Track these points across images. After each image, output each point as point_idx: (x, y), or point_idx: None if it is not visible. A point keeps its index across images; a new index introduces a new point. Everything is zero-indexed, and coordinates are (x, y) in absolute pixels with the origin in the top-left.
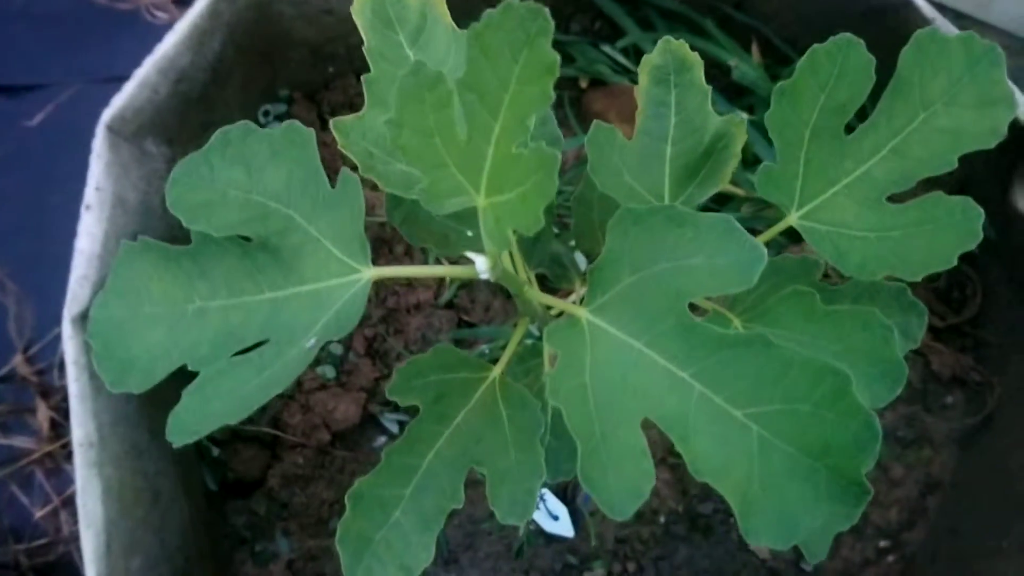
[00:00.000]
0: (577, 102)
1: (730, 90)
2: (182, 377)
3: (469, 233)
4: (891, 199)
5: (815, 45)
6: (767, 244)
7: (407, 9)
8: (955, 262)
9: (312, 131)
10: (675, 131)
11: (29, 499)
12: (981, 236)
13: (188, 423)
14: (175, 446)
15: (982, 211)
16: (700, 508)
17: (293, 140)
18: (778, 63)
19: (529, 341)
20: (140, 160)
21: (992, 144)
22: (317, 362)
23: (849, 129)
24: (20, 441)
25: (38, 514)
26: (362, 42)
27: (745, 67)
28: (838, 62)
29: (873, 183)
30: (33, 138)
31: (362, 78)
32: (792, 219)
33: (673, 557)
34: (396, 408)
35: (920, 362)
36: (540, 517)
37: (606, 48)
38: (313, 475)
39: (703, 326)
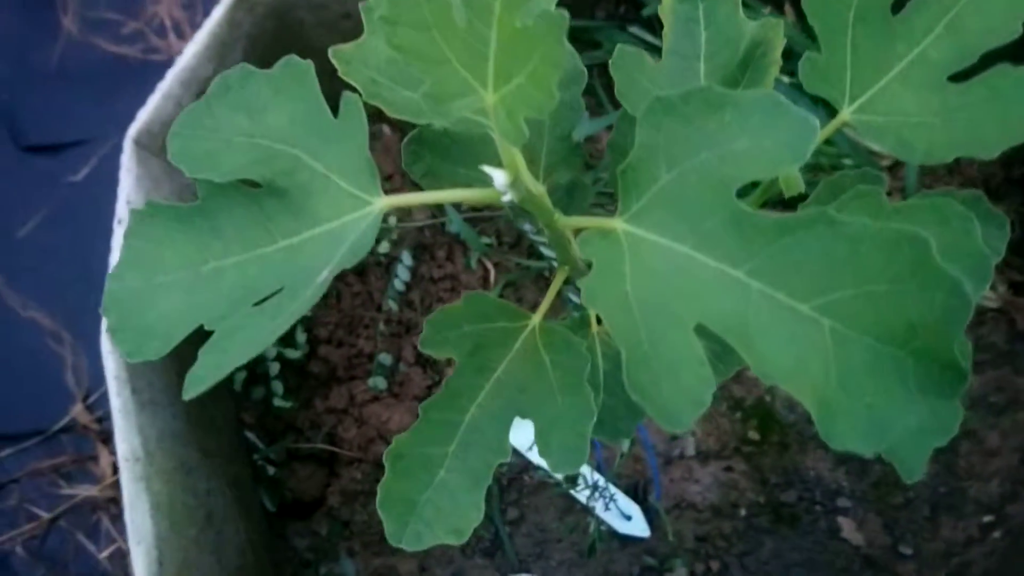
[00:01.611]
0: (608, 88)
1: None
2: (222, 394)
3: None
4: (952, 79)
5: None
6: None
7: None
8: None
9: (311, 62)
10: (707, 46)
11: (96, 547)
12: None
13: (202, 377)
14: (187, 398)
15: None
16: (783, 497)
17: (293, 75)
18: None
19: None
20: (170, 173)
21: None
22: (368, 374)
23: (896, 7)
24: (84, 490)
25: (101, 555)
26: None
27: None
28: None
29: (930, 65)
30: (78, 193)
31: (360, 5)
32: (845, 115)
33: (759, 552)
34: None
35: (1004, 320)
36: (612, 518)
37: (633, 29)
38: (373, 490)
39: (756, 215)
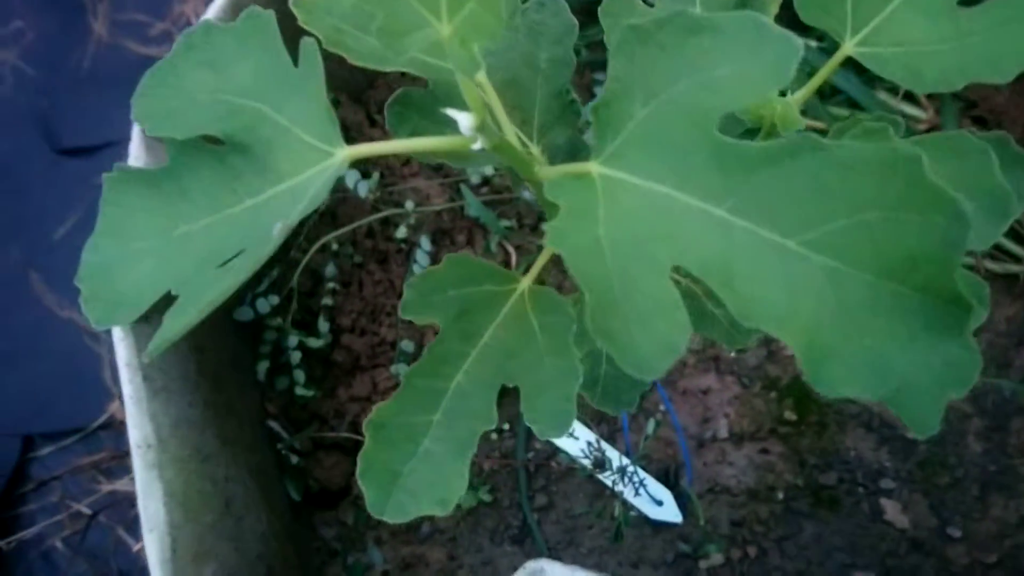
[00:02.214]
0: None
1: None
2: (246, 383)
3: (514, 128)
4: (964, 3)
5: None
6: (825, 82)
7: None
8: None
9: (272, 12)
10: None
11: (136, 541)
12: None
13: (164, 340)
14: (148, 360)
15: None
16: (822, 479)
17: (256, 27)
18: None
19: None
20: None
21: None
22: (390, 361)
23: None
24: (123, 485)
25: (136, 547)
26: None
27: None
28: None
29: None
30: None
31: None
32: (849, 48)
33: (798, 536)
34: None
35: None
36: (643, 504)
37: None
38: None
39: (739, 145)
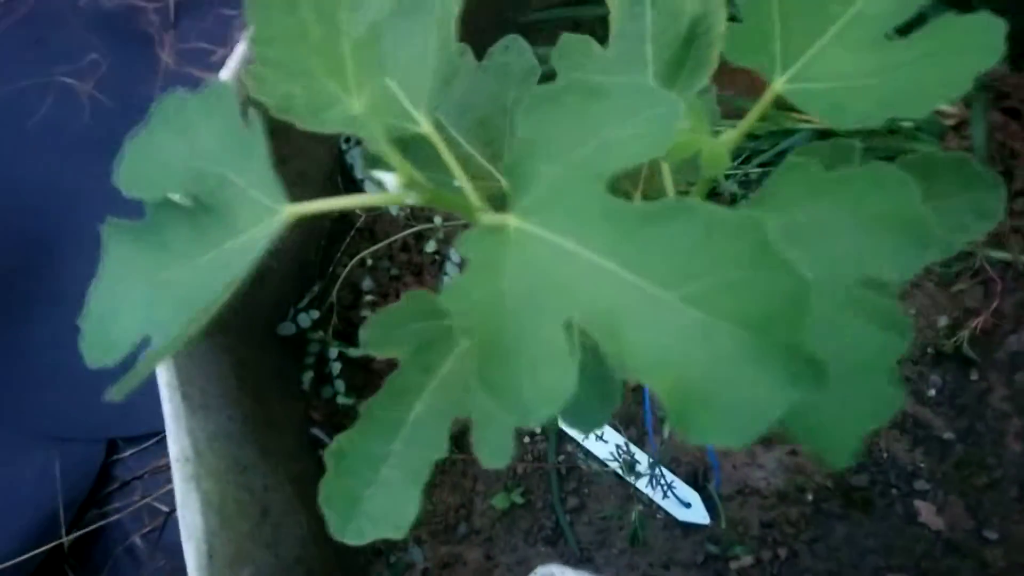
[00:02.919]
0: None
1: None
2: (289, 393)
3: (456, 183)
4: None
5: None
6: (761, 120)
7: None
8: (969, 86)
9: (229, 83)
10: (653, 27)
11: None
12: (1003, 50)
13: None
14: (117, 398)
15: (1003, 23)
16: (854, 481)
17: (218, 96)
18: None
19: None
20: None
21: None
22: None
23: None
24: None
25: None
26: None
27: None
28: None
29: (868, 21)
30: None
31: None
32: (778, 85)
33: (829, 538)
34: None
35: None
36: (670, 505)
37: None
38: (436, 481)
39: (626, 206)
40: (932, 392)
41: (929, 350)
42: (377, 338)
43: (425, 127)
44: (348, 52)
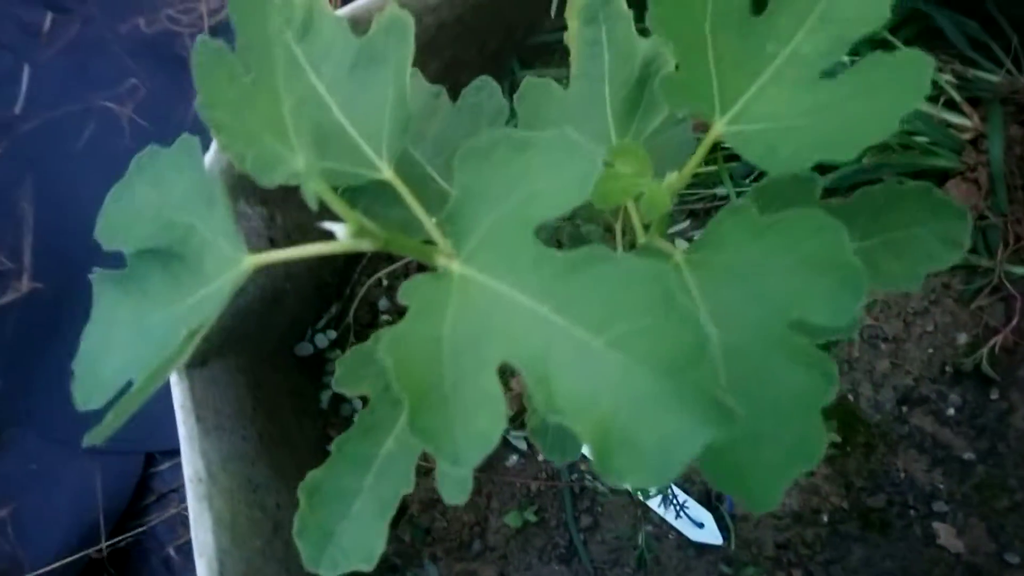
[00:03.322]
0: None
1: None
2: (306, 412)
3: (432, 219)
4: (826, 76)
5: None
6: (707, 161)
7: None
8: (896, 126)
9: (196, 138)
10: (610, 67)
11: None
12: (929, 89)
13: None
14: (97, 442)
15: (932, 60)
16: (871, 502)
17: (187, 150)
18: None
19: None
20: (237, 220)
21: None
22: None
23: (759, 6)
24: None
25: None
26: None
27: None
28: None
29: (804, 61)
30: None
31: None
32: (718, 128)
33: (846, 560)
34: (522, 426)
35: None
36: (684, 526)
37: None
38: None
39: (551, 253)
40: (951, 411)
41: (948, 368)
42: (347, 378)
43: (386, 173)
44: (287, 114)
